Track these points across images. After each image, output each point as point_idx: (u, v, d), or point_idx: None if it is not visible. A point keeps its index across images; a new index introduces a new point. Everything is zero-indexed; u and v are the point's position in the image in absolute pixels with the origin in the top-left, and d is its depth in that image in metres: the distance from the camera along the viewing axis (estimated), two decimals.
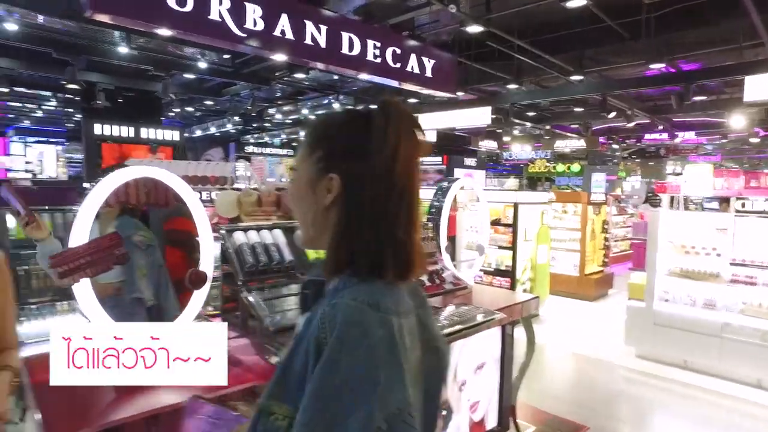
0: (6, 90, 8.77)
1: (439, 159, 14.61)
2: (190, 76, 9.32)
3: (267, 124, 17.26)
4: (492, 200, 6.41)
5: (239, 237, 2.19)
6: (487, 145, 15.39)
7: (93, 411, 1.63)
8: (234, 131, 17.59)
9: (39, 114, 15.72)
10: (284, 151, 19.59)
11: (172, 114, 14.86)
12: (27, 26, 6.85)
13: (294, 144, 20.36)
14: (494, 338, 2.95)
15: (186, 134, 13.43)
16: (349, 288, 0.80)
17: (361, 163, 0.83)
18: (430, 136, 10.99)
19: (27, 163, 16.51)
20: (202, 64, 8.44)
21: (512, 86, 9.16)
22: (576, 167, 15.53)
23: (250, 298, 2.09)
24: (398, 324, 0.78)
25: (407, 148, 0.83)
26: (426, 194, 3.90)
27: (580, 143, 14.73)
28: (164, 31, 2.84)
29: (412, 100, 10.83)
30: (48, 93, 12.46)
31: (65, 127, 17.18)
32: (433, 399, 0.91)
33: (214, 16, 2.86)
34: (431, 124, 10.14)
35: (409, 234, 0.84)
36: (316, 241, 0.91)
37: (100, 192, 1.78)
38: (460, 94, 9.55)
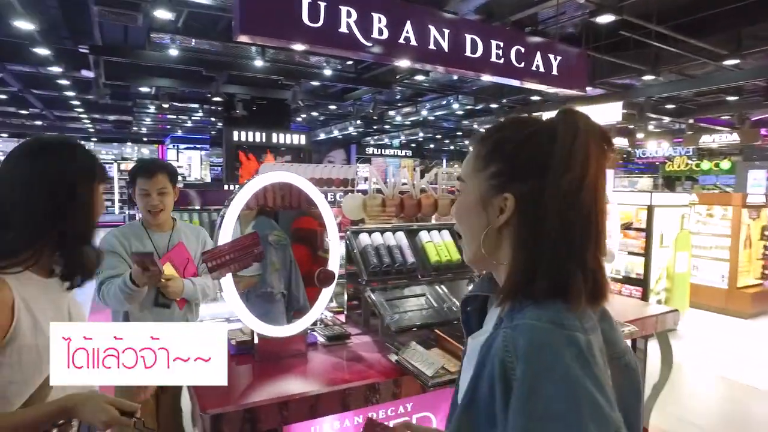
0: (167, 105, 10.11)
1: None
2: (315, 83, 9.91)
3: (387, 126, 17.73)
4: (622, 202, 5.93)
5: (364, 238, 2.29)
6: (618, 142, 14.24)
7: (234, 392, 1.81)
8: (355, 134, 18.35)
9: (189, 124, 17.78)
10: (403, 152, 19.95)
11: (299, 119, 15.91)
12: (183, 50, 7.82)
13: (412, 145, 20.71)
14: None
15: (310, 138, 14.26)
16: (528, 308, 0.75)
17: (542, 181, 0.76)
18: None
19: (179, 167, 18.83)
20: (327, 72, 8.93)
21: (648, 77, 8.37)
22: (726, 164, 13.74)
23: (373, 297, 2.17)
24: (586, 340, 0.71)
25: (596, 165, 0.76)
26: None
27: (732, 137, 12.96)
28: (299, 46, 3.07)
29: (535, 98, 10.41)
30: (196, 105, 14.08)
31: (209, 134, 19.25)
32: (633, 426, 0.82)
33: (343, 28, 3.02)
34: None
35: (597, 258, 0.78)
36: (484, 260, 0.86)
37: (243, 196, 1.98)
38: (588, 89, 8.98)
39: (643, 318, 2.73)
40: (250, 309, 2.04)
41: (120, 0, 5.50)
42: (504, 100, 11.38)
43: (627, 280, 6.01)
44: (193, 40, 7.44)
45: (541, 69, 3.68)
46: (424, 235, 2.47)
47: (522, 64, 3.61)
